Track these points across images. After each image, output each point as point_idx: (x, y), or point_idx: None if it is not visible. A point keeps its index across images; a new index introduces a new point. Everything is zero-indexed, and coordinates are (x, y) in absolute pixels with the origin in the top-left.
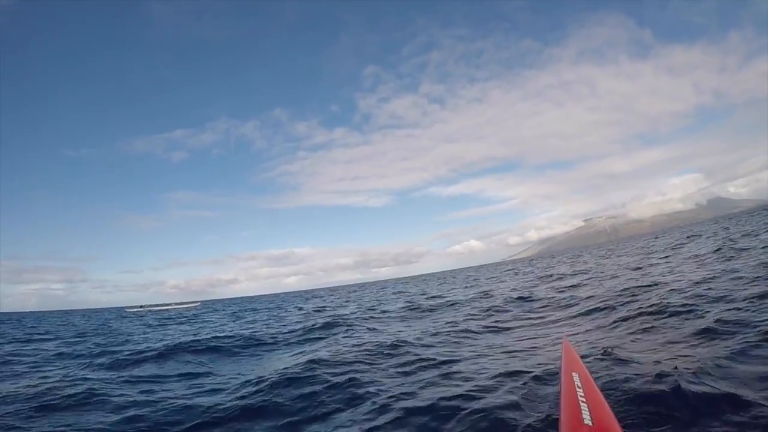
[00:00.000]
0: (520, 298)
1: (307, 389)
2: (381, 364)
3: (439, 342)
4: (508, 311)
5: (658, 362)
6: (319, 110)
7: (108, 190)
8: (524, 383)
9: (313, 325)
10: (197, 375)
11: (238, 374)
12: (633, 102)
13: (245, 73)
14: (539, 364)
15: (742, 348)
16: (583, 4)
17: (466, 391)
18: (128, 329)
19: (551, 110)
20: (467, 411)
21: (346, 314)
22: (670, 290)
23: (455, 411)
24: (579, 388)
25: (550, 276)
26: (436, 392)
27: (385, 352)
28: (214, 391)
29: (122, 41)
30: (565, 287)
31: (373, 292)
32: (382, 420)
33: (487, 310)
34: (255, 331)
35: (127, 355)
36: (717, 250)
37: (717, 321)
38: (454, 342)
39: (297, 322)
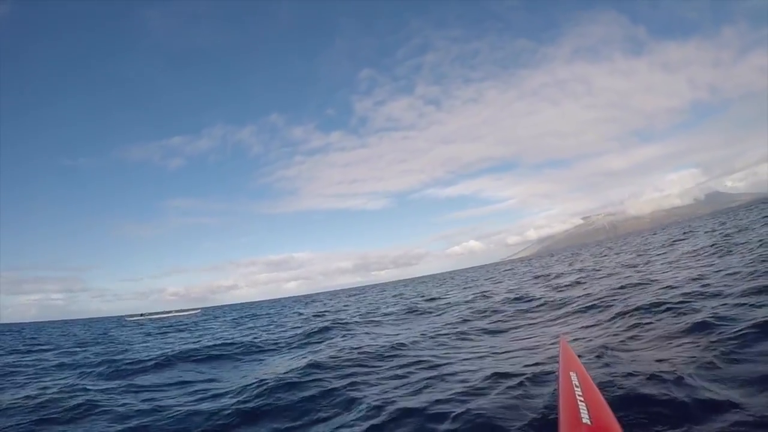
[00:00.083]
0: (516, 298)
1: (306, 393)
2: (378, 366)
3: (436, 344)
4: (504, 312)
5: (654, 361)
6: (315, 114)
7: (106, 199)
8: (521, 383)
9: (312, 330)
10: (198, 382)
11: (239, 380)
12: (629, 99)
13: (241, 78)
14: (535, 363)
15: (737, 346)
16: (577, 3)
17: (463, 392)
18: (128, 338)
19: (547, 109)
20: (464, 412)
21: (344, 318)
22: (665, 287)
23: (452, 412)
24: (577, 387)
25: (548, 275)
26: (432, 394)
27: (383, 354)
28: (216, 397)
29: (116, 48)
30: (562, 286)
31: (373, 295)
32: (377, 422)
33: (484, 311)
34: (255, 337)
35: (128, 364)
36: (712, 245)
37: (711, 318)
38: (451, 343)
39: (296, 327)
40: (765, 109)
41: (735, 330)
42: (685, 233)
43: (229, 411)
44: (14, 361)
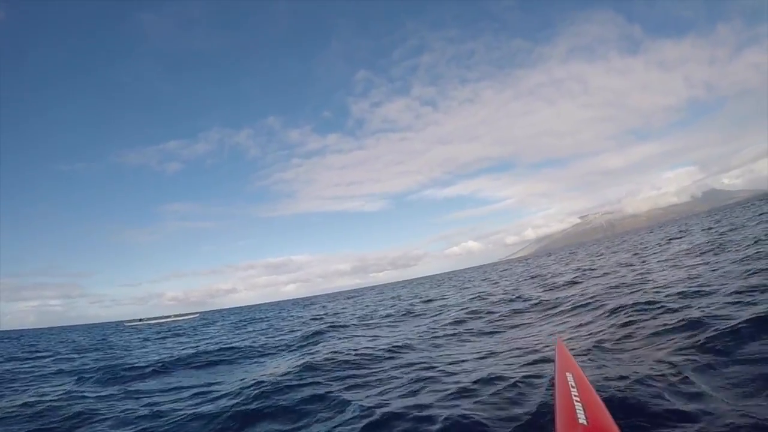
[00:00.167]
0: (512, 299)
1: (300, 395)
2: (373, 368)
3: (431, 345)
4: (499, 312)
5: (645, 361)
6: (312, 117)
7: (103, 204)
8: (515, 384)
9: (309, 333)
10: (196, 387)
11: (236, 384)
12: (625, 97)
13: (237, 81)
14: (529, 364)
15: (729, 344)
16: (572, 2)
17: (457, 394)
18: (127, 344)
19: (544, 108)
20: (458, 414)
21: (341, 321)
22: (659, 286)
23: (445, 414)
24: (573, 387)
25: (544, 275)
26: (426, 396)
27: (378, 356)
28: (212, 402)
29: (112, 52)
30: (557, 286)
31: (371, 297)
32: (368, 423)
33: (479, 312)
34: (254, 341)
35: (126, 370)
36: (707, 243)
37: (703, 316)
38: (445, 345)
39: (294, 330)
40: (761, 106)
41: (727, 328)
42: (681, 231)
43: (226, 415)
44: (13, 368)
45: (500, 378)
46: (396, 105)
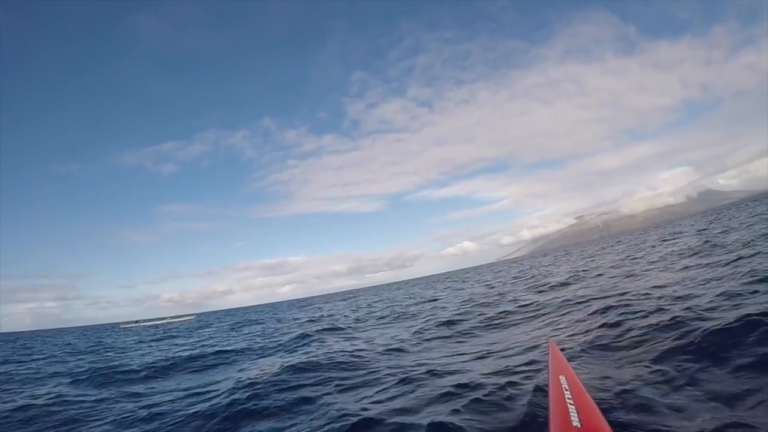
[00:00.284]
0: (502, 301)
1: (284, 397)
2: (359, 371)
3: (422, 349)
4: (488, 314)
5: (633, 365)
6: (307, 117)
7: (100, 206)
8: (503, 388)
9: (299, 335)
10: (189, 389)
11: (223, 385)
12: (621, 98)
13: (233, 82)
14: (518, 367)
15: (714, 348)
16: (568, 3)
17: (444, 397)
18: (122, 345)
19: (540, 109)
20: (444, 420)
21: (333, 323)
22: (647, 289)
23: (431, 419)
24: (566, 390)
25: (535, 276)
26: (411, 399)
27: (366, 358)
28: (208, 401)
29: (108, 54)
30: (548, 288)
31: (366, 298)
32: (349, 426)
33: (469, 313)
34: (247, 343)
35: (121, 372)
36: (700, 245)
37: (690, 319)
38: (434, 348)
39: (285, 333)
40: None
41: (715, 329)
42: (674, 233)
43: (217, 415)
44: (8, 371)
45: (488, 381)
46: (392, 106)
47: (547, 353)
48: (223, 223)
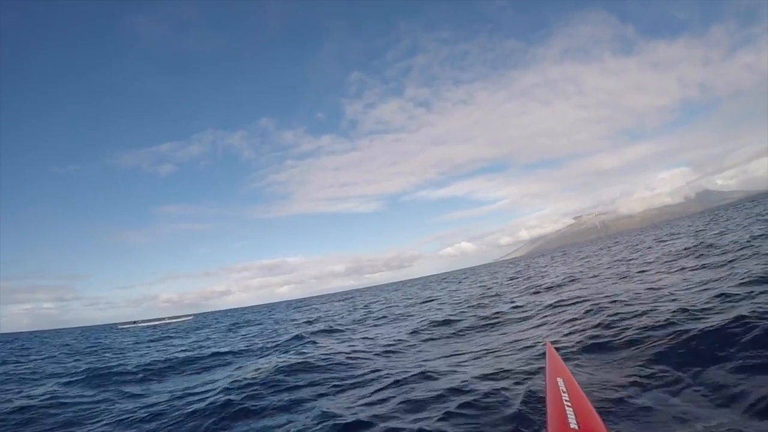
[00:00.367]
0: (496, 302)
1: (270, 398)
2: (349, 372)
3: (415, 350)
4: (481, 315)
5: (625, 366)
6: (305, 118)
7: (97, 206)
8: (501, 389)
9: (292, 337)
10: (189, 388)
11: (213, 385)
12: (619, 98)
13: (230, 83)
14: (507, 371)
15: (710, 348)
16: (566, 3)
17: (443, 398)
18: (120, 346)
19: (538, 109)
20: (442, 422)
21: (327, 325)
22: (642, 291)
23: (419, 426)
24: (564, 392)
25: (532, 277)
26: (399, 403)
27: (357, 360)
28: (204, 401)
29: (105, 54)
30: (543, 289)
31: (363, 299)
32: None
33: (462, 315)
34: (241, 344)
35: (118, 372)
36: (694, 247)
37: (681, 322)
38: (428, 349)
39: (280, 333)
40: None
41: (705, 332)
42: (670, 234)
43: (207, 416)
44: (5, 371)
45: (483, 383)
46: (390, 106)
47: (544, 355)
48: (221, 223)
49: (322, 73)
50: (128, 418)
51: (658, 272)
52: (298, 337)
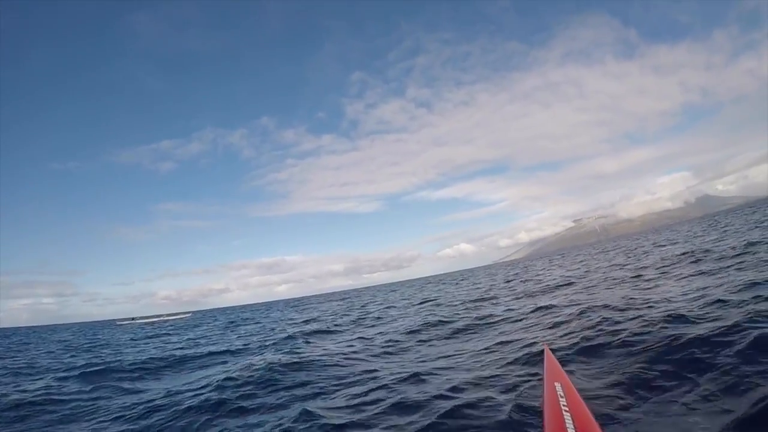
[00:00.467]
0: (491, 304)
1: (265, 394)
2: (337, 373)
3: (408, 351)
4: (478, 317)
5: (613, 372)
6: (306, 117)
7: (97, 203)
8: (496, 392)
9: (287, 336)
10: (185, 384)
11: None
12: (620, 102)
13: (231, 81)
14: (509, 370)
15: (701, 362)
16: (568, 6)
17: (432, 401)
18: (118, 342)
19: (539, 112)
20: (435, 427)
21: (322, 326)
22: (636, 297)
23: (424, 422)
24: (562, 397)
25: (526, 281)
26: (384, 408)
27: (346, 361)
28: (198, 397)
29: (106, 52)
30: (538, 292)
31: (360, 299)
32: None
33: (457, 316)
34: (236, 343)
35: (117, 368)
36: (691, 252)
37: (675, 329)
38: (421, 351)
39: (275, 332)
40: (756, 112)
41: (698, 338)
42: (669, 239)
43: (202, 412)
44: (3, 365)
45: (477, 386)
46: (391, 106)
47: (539, 358)
48: (221, 221)
49: (323, 73)
50: (125, 412)
51: (653, 277)
52: (292, 337)
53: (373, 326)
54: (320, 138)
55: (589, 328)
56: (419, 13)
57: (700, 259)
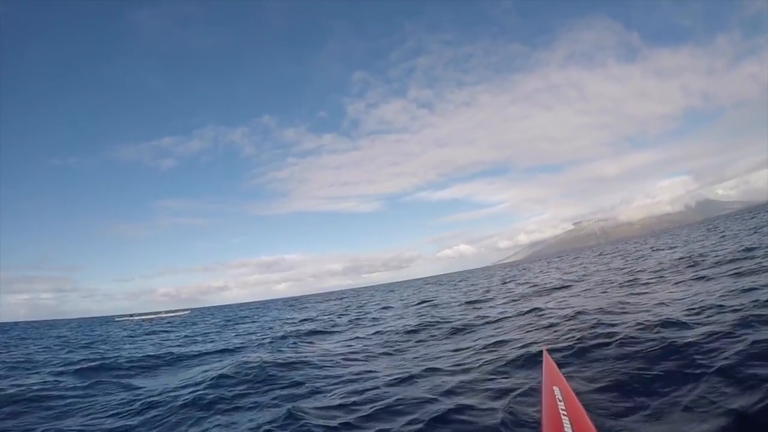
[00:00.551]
0: (484, 307)
1: (256, 392)
2: (326, 372)
3: (402, 352)
4: (473, 318)
5: (603, 382)
6: (307, 116)
7: (97, 199)
8: (490, 395)
9: (282, 336)
10: (181, 381)
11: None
12: (622, 105)
13: (232, 80)
14: (502, 373)
15: (696, 366)
16: (571, 8)
17: (424, 404)
18: (116, 338)
19: (540, 114)
20: None
21: (318, 326)
22: (631, 301)
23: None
24: (560, 401)
25: (523, 283)
26: (384, 405)
27: (336, 361)
28: (193, 393)
29: (107, 49)
30: (534, 294)
31: (359, 299)
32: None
33: (453, 318)
34: (232, 341)
35: (114, 364)
36: (687, 258)
37: (666, 337)
38: (411, 353)
39: (274, 332)
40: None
41: (692, 343)
42: (667, 244)
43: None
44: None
45: (472, 388)
46: (392, 106)
47: (539, 362)
48: (221, 219)
49: (324, 72)
50: (122, 408)
51: (650, 281)
52: (289, 336)
53: (370, 326)
54: (321, 137)
55: (584, 331)
56: (422, 13)
57: (697, 264)
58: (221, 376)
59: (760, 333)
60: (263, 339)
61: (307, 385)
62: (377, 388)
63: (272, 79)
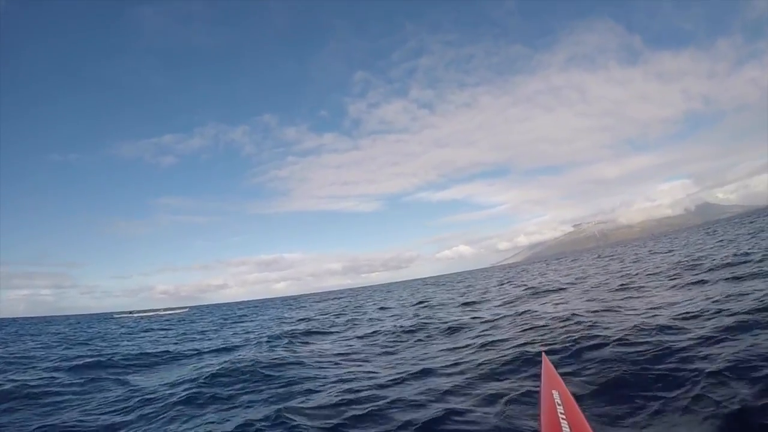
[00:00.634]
0: (483, 307)
1: (245, 390)
2: (315, 373)
3: (397, 353)
4: (469, 318)
5: (592, 384)
6: (308, 116)
7: (97, 196)
8: (485, 399)
9: (278, 335)
10: (178, 378)
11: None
12: (623, 108)
13: (234, 78)
14: (498, 375)
15: (689, 370)
16: (573, 10)
17: (418, 406)
18: (114, 335)
19: (541, 116)
20: None
21: (314, 326)
22: (626, 305)
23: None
24: (559, 405)
25: (520, 285)
26: (376, 407)
27: (328, 362)
28: (189, 390)
29: (109, 46)
30: (531, 295)
31: (357, 299)
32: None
33: (449, 316)
34: (232, 338)
35: (111, 360)
36: (685, 262)
37: (659, 343)
38: (407, 354)
39: (271, 331)
40: (758, 121)
41: (684, 348)
42: (665, 247)
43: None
44: None
45: (468, 390)
46: (393, 107)
47: (538, 365)
48: (220, 217)
49: (325, 72)
50: (118, 404)
51: (646, 285)
52: (285, 335)
53: (367, 327)
54: (322, 136)
55: (578, 333)
56: (423, 14)
57: (695, 267)
58: (216, 374)
59: (757, 337)
60: (260, 338)
61: (300, 384)
62: (371, 389)
63: (273, 77)
